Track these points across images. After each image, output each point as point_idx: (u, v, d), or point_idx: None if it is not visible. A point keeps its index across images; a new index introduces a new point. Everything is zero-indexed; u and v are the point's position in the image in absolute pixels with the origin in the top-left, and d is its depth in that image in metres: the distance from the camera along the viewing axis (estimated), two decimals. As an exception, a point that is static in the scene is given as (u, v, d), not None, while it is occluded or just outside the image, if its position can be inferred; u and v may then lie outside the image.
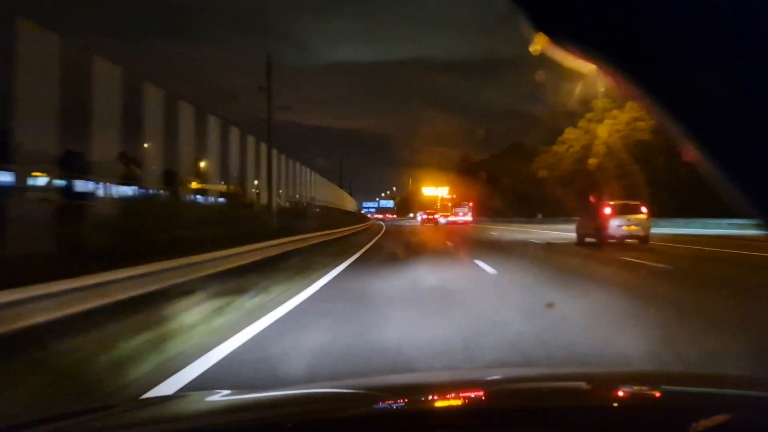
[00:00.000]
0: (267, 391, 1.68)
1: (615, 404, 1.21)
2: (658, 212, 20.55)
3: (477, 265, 10.19)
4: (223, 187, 13.43)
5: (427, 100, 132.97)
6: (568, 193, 35.19)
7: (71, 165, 7.82)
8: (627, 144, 35.44)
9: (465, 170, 66.34)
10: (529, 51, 0.51)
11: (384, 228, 38.10)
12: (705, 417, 0.93)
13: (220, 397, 1.37)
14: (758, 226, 0.47)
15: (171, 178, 9.66)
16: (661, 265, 10.09)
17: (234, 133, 12.72)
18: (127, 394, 2.95)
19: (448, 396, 1.31)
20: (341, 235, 18.91)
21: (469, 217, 57.75)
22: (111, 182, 8.21)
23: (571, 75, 30.08)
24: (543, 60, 0.54)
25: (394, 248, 15.61)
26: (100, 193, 8.21)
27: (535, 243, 18.34)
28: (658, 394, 1.34)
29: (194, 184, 11.60)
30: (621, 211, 16.00)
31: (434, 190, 76.99)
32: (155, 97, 8.43)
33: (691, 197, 23.42)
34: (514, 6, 0.47)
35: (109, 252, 5.10)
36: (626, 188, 28.23)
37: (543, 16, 0.47)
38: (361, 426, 1.03)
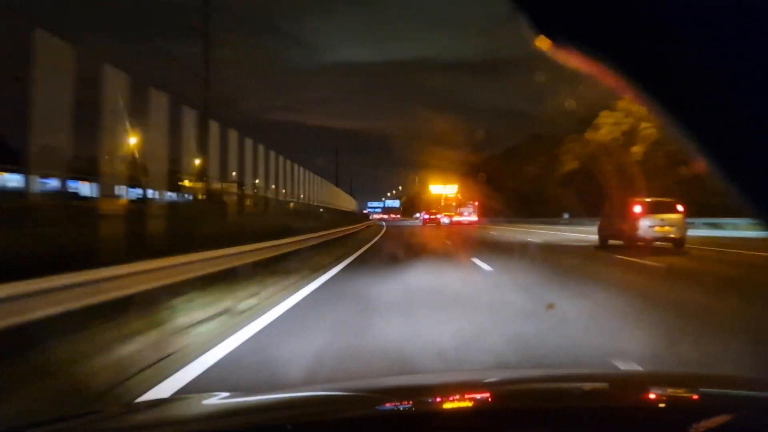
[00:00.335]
0: (266, 394, 1.76)
1: (616, 405, 1.26)
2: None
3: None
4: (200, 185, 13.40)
5: (433, 100, 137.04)
6: (601, 189, 31.08)
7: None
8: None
9: (475, 167, 65.57)
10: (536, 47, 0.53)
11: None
12: (705, 417, 0.98)
13: (218, 399, 1.43)
14: (759, 226, 0.50)
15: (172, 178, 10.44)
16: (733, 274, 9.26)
17: (214, 127, 12.69)
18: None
19: (448, 397, 1.37)
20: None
21: (474, 217, 59.16)
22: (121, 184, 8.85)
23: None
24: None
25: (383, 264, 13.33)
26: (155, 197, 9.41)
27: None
28: (658, 395, 1.39)
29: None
30: (653, 209, 14.45)
31: (442, 188, 77.50)
32: (159, 102, 9.09)
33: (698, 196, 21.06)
34: (514, 7, 0.50)
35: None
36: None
37: (542, 17, 0.50)
38: (361, 428, 1.09)
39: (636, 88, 0.50)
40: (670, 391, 1.46)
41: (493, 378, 1.83)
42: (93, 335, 4.43)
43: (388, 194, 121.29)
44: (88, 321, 4.52)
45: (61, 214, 6.65)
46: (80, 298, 4.36)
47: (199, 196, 13.17)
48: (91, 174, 8.43)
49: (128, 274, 5.13)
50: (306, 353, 4.16)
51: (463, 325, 5.14)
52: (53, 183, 7.14)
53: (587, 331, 4.92)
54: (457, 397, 1.39)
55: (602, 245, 16.66)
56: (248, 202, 16.31)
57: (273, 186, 17.94)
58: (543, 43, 0.50)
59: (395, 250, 17.19)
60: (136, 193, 9.76)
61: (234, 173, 14.62)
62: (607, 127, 40.47)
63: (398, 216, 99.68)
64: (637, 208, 14.84)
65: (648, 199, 15.42)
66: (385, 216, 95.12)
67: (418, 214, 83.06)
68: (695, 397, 1.38)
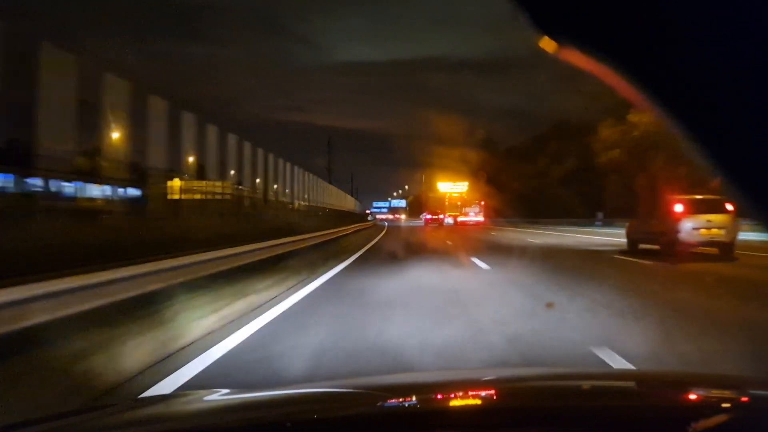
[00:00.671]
0: (266, 391, 1.87)
1: (615, 404, 1.33)
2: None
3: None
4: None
5: (439, 99, 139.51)
6: (643, 185, 27.68)
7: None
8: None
9: (485, 165, 64.48)
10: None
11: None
12: (705, 417, 1.03)
13: (219, 396, 1.51)
14: (759, 227, 0.54)
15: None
16: None
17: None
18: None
19: (448, 395, 1.45)
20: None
21: (480, 218, 61.05)
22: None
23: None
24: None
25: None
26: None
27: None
28: (657, 394, 1.49)
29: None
30: (698, 208, 12.59)
31: (451, 186, 77.78)
32: (158, 108, 10.52)
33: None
34: (514, 7, 0.53)
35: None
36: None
37: (543, 17, 0.53)
38: (361, 425, 1.14)
39: (637, 88, 0.53)
40: (669, 390, 1.54)
41: (493, 376, 1.94)
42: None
43: (394, 194, 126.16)
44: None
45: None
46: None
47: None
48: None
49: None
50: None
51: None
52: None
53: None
54: (457, 395, 1.45)
55: (631, 249, 15.38)
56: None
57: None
58: (547, 43, 0.54)
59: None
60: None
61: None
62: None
63: (402, 216, 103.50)
64: (679, 207, 13.55)
65: (692, 197, 13.41)
66: (390, 216, 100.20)
67: (424, 215, 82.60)
68: (695, 396, 1.45)
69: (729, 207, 13.11)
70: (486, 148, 70.90)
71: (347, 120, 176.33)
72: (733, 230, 13.06)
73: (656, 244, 14.01)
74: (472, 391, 1.50)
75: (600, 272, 10.87)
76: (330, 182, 42.31)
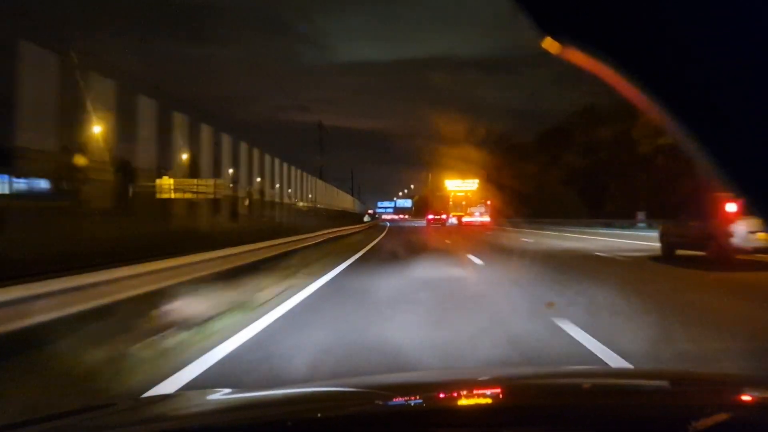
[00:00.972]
0: (267, 390, 1.94)
1: (615, 402, 1.37)
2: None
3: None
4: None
5: (445, 98, 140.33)
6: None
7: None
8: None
9: (497, 160, 64.39)
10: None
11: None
12: (705, 416, 1.06)
13: (220, 395, 1.57)
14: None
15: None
16: None
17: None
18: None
19: (449, 394, 1.50)
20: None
21: (486, 218, 61.48)
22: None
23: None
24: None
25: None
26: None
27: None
28: (658, 393, 1.53)
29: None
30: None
31: (461, 183, 77.67)
32: (148, 107, 10.60)
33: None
34: (515, 7, 0.55)
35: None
36: None
37: (543, 17, 0.55)
38: (361, 424, 1.19)
39: (638, 88, 0.54)
40: (670, 389, 1.59)
41: (494, 375, 2.01)
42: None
43: (400, 194, 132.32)
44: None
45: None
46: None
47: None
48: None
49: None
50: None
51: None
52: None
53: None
54: (458, 394, 1.50)
55: (667, 255, 14.20)
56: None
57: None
58: (550, 44, 0.56)
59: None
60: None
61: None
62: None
63: (406, 217, 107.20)
64: (731, 207, 12.08)
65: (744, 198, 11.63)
66: (395, 216, 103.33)
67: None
68: (695, 395, 1.49)
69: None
70: (494, 145, 70.38)
71: (350, 119, 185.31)
72: None
73: (700, 250, 12.74)
74: (472, 390, 1.57)
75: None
76: (320, 177, 38.73)
